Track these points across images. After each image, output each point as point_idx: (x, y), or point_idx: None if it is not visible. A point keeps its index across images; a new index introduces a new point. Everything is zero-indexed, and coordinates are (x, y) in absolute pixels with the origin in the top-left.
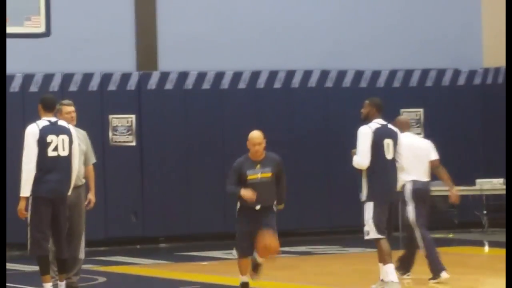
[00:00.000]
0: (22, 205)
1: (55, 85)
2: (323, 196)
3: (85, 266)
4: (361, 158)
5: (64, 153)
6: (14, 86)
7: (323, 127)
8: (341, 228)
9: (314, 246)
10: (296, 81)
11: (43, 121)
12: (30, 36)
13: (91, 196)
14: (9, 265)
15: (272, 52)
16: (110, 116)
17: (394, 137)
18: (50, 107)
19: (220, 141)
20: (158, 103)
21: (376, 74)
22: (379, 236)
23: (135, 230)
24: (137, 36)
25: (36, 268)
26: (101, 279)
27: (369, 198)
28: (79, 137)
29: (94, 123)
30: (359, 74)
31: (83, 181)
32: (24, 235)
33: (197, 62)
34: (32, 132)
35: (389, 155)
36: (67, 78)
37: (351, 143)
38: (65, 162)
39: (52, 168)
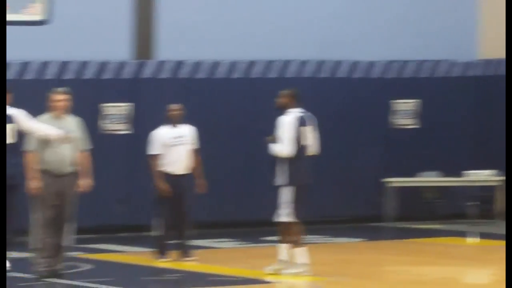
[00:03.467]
0: None
1: (51, 73)
2: (311, 185)
3: (72, 253)
4: (285, 146)
5: (12, 140)
6: (10, 74)
7: (316, 117)
8: (328, 218)
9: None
10: (291, 71)
11: None
12: (28, 23)
13: (87, 180)
14: None
15: (268, 42)
16: (106, 105)
17: (310, 124)
18: None
19: (214, 131)
20: (153, 92)
21: (371, 65)
22: (297, 220)
23: (122, 218)
24: (134, 25)
25: (21, 254)
26: (87, 266)
27: (288, 183)
28: (72, 124)
29: (89, 112)
30: (354, 65)
31: (74, 168)
32: None
33: (194, 52)
34: None
35: (304, 142)
36: (63, 66)
37: (348, 132)
38: (14, 149)
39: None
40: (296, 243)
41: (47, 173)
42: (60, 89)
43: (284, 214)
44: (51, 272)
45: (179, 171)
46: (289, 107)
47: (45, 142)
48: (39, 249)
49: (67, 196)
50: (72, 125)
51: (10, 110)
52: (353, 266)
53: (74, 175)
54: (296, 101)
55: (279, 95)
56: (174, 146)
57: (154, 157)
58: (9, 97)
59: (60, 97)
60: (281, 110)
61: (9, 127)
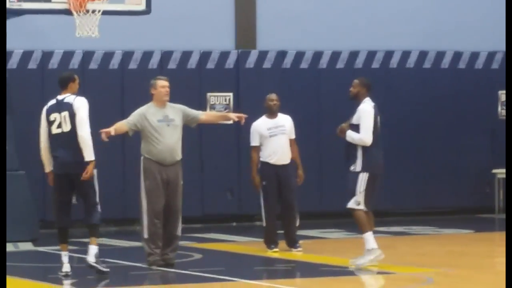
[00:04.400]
0: (48, 179)
1: (154, 62)
2: (418, 176)
3: (181, 243)
4: (367, 135)
5: (66, 128)
6: (114, 63)
7: (421, 108)
8: (436, 209)
9: (409, 226)
10: (394, 62)
11: (52, 100)
12: (130, 13)
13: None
14: (106, 241)
15: (371, 32)
16: (208, 94)
17: (380, 115)
18: (63, 85)
19: (316, 121)
20: (255, 82)
21: (474, 55)
22: (366, 208)
23: (231, 207)
24: (236, 15)
25: (133, 243)
26: (197, 256)
27: (364, 169)
28: (175, 112)
29: (192, 101)
30: (457, 55)
31: (180, 156)
32: (119, 210)
33: (296, 41)
34: (42, 112)
35: (379, 131)
36: (166, 55)
37: (455, 122)
38: (68, 137)
39: (58, 145)
40: (364, 229)
41: (155, 163)
42: (162, 76)
43: (355, 202)
44: (162, 261)
45: (279, 161)
46: (361, 96)
47: (149, 132)
48: (149, 239)
49: (175, 185)
50: (174, 113)
51: (70, 98)
52: (463, 258)
53: (180, 164)
54: (368, 91)
55: (352, 85)
56: (272, 136)
57: (253, 148)
58: (73, 85)
59: (163, 84)
60: (354, 99)
61: (64, 114)
